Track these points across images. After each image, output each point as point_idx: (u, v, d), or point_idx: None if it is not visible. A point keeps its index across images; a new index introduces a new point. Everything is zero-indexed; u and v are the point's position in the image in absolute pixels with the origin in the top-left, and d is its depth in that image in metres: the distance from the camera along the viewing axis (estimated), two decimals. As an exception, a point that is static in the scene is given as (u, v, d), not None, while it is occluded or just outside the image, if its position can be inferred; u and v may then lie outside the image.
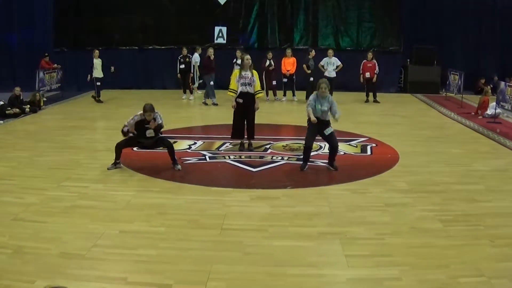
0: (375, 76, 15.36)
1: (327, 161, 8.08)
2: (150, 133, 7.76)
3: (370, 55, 15.55)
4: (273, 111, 14.00)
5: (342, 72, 15.27)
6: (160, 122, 7.76)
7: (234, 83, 8.93)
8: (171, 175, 7.62)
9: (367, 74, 15.34)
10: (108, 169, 7.84)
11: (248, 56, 9.10)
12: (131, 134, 7.84)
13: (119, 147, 7.89)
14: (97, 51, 15.09)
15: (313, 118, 7.63)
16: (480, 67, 17.96)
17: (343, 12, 18.14)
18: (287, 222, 5.82)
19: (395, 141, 9.94)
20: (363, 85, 15.73)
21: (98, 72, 14.94)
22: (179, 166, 7.93)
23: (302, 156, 8.11)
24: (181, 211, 6.15)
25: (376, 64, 15.39)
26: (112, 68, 14.99)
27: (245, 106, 8.99)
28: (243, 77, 8.90)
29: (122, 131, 7.88)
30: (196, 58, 15.86)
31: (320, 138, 8.02)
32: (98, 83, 14.95)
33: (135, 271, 4.57)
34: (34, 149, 9.19)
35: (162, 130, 7.97)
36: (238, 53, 14.91)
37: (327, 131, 7.80)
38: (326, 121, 7.84)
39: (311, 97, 7.89)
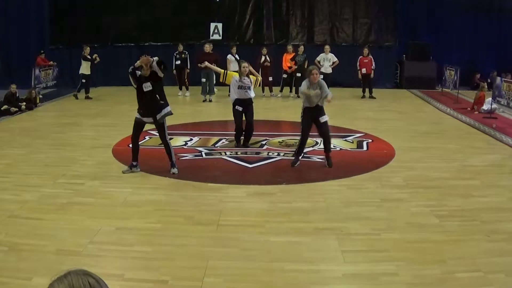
0: (372, 72, 15.39)
1: (324, 152, 8.04)
2: (147, 86, 7.30)
3: (366, 51, 15.57)
4: (269, 107, 14.01)
5: (338, 68, 15.30)
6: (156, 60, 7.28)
7: (227, 77, 9.04)
8: (167, 172, 7.59)
9: (364, 70, 15.37)
10: (123, 172, 7.49)
11: (245, 64, 9.05)
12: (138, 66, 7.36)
13: (133, 140, 7.53)
14: (88, 48, 15.01)
15: (307, 92, 7.63)
16: (476, 63, 17.98)
17: (339, 7, 18.14)
18: (284, 218, 5.82)
19: (391, 137, 9.94)
20: (360, 81, 15.75)
21: (84, 69, 14.83)
22: (175, 170, 7.51)
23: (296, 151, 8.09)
24: (178, 208, 6.15)
25: (372, 60, 15.43)
26: (96, 56, 14.87)
27: (244, 109, 9.04)
28: (242, 82, 8.87)
29: (132, 69, 7.42)
30: None
31: (316, 135, 8.01)
32: (84, 80, 14.82)
33: (131, 267, 4.56)
34: (30, 146, 9.16)
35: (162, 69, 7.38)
36: (234, 50, 15.07)
37: (322, 119, 7.82)
38: (320, 107, 7.84)
39: (303, 84, 7.85)
